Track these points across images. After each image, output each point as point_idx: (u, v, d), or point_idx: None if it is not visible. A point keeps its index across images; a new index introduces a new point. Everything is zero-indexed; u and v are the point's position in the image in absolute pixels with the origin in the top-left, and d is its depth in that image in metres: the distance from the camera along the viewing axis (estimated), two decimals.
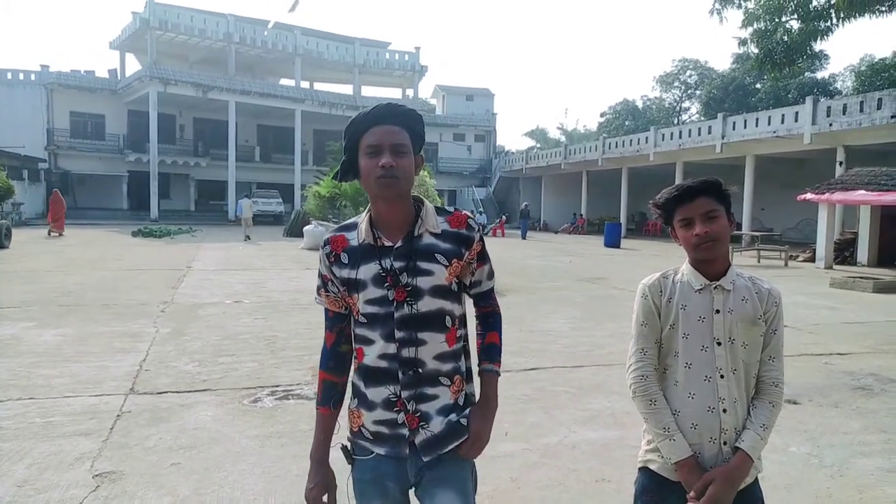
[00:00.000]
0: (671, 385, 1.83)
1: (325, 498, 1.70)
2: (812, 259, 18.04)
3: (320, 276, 1.71)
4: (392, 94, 48.35)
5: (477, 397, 1.77)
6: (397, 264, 1.60)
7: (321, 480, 1.69)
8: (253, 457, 3.83)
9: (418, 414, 1.63)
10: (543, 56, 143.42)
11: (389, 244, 1.62)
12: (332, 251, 1.66)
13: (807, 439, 4.39)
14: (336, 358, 1.72)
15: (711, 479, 1.71)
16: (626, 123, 48.64)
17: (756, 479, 1.85)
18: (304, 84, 43.61)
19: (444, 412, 1.65)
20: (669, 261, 20.52)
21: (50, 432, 4.12)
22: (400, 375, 1.61)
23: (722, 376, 1.75)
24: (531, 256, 19.54)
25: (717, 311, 1.77)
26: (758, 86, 40.98)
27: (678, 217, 1.81)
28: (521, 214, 31.28)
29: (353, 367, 1.72)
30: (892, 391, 5.59)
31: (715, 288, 1.78)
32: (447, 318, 1.67)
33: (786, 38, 13.30)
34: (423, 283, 1.61)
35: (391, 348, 1.61)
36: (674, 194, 1.82)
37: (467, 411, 1.69)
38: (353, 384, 1.71)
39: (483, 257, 1.76)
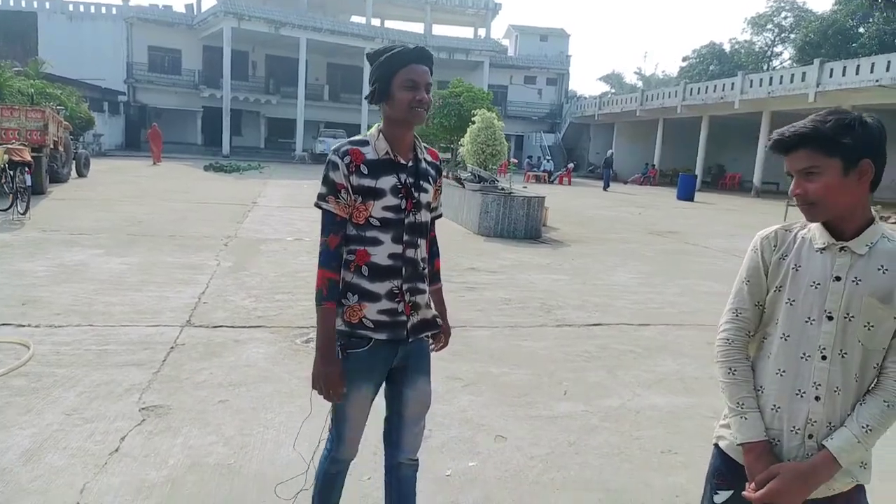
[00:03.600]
0: (764, 356, 1.57)
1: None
2: None
3: (332, 183, 1.87)
4: (463, 32, 47.01)
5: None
6: (410, 179, 1.92)
7: (336, 365, 1.88)
8: (301, 399, 3.72)
9: (411, 303, 1.96)
10: None
11: (403, 162, 1.92)
12: (352, 161, 1.86)
13: None
14: (338, 258, 1.90)
15: (777, 473, 1.45)
16: (711, 68, 45.60)
17: (859, 489, 1.52)
18: (375, 22, 42.86)
19: (427, 304, 2.03)
20: (746, 216, 19.46)
21: (104, 360, 4.13)
22: (403, 271, 1.92)
23: (824, 357, 1.46)
24: (599, 206, 18.85)
25: (837, 279, 1.45)
26: (861, 30, 37.35)
27: (786, 169, 1.52)
28: (605, 163, 28.71)
29: (350, 269, 1.91)
30: None
31: (842, 249, 1.46)
32: (428, 229, 2.05)
33: None
34: (423, 198, 1.96)
35: (398, 249, 1.91)
36: (769, 145, 1.54)
37: (433, 309, 2.11)
38: (350, 283, 1.90)
39: (441, 187, 2.13)
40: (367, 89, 1.97)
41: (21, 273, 6.38)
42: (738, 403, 1.54)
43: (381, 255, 1.90)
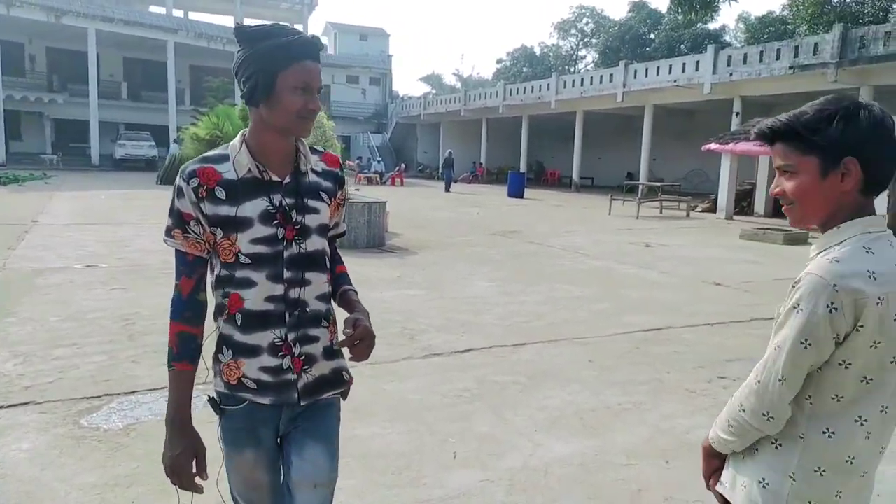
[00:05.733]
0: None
1: (193, 464, 1.52)
2: (712, 210, 18.23)
3: (178, 214, 1.48)
4: None
5: (340, 336, 1.59)
6: (287, 201, 1.52)
7: (188, 445, 1.52)
8: None
9: (303, 357, 1.56)
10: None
11: (277, 179, 1.52)
12: (201, 184, 1.46)
13: None
14: (194, 307, 1.53)
15: None
16: (524, 70, 47.96)
17: None
18: (178, 13, 39.17)
19: (326, 354, 1.61)
20: (574, 210, 20.29)
21: None
22: (287, 317, 1.54)
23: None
24: (437, 207, 18.45)
25: None
26: (652, 36, 41.44)
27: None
28: (446, 163, 27.39)
29: (222, 317, 1.55)
30: None
31: None
32: (325, 257, 1.62)
33: None
34: (311, 220, 1.56)
35: (278, 289, 1.52)
36: (754, 136, 1.41)
37: (345, 363, 1.67)
38: (223, 335, 1.55)
39: (346, 200, 1.73)
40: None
41: None
42: None
43: (254, 298, 1.52)
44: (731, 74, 19.88)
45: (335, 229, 1.71)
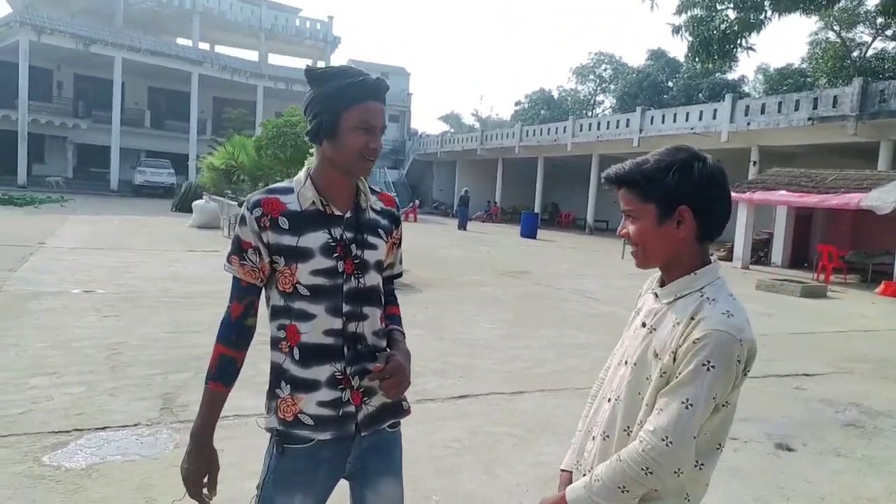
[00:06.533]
0: None
1: (205, 479, 1.55)
2: (728, 258, 17.90)
3: (237, 241, 1.53)
4: (300, 64, 45.43)
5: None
6: (348, 235, 1.56)
7: (205, 462, 1.54)
8: None
9: (362, 389, 1.57)
10: (460, 39, 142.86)
11: (339, 213, 1.56)
12: (265, 213, 1.50)
13: None
14: (240, 332, 1.55)
15: None
16: (542, 113, 48.25)
17: None
18: (204, 46, 40.07)
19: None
20: (587, 253, 20.01)
21: None
22: (346, 351, 1.55)
23: (609, 400, 1.45)
24: (447, 246, 18.29)
25: (643, 325, 1.42)
26: (670, 84, 41.63)
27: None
28: (461, 202, 26.65)
29: (278, 350, 1.56)
30: (887, 429, 4.70)
31: (656, 296, 1.42)
32: (381, 294, 1.65)
33: (723, 26, 12.65)
34: (370, 256, 1.59)
35: (337, 323, 1.54)
36: (603, 180, 1.45)
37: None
38: (281, 368, 1.55)
39: (401, 239, 1.76)
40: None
41: None
42: (575, 436, 1.58)
43: (313, 332, 1.53)
44: (748, 124, 19.74)
45: (391, 270, 1.75)
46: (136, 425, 3.81)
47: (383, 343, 1.64)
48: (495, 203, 35.54)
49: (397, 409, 1.65)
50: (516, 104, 54.70)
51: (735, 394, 1.31)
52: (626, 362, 1.41)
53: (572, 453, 1.55)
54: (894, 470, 3.95)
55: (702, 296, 1.32)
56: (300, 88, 39.10)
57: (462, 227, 25.61)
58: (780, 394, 5.40)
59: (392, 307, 1.75)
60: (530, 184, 33.47)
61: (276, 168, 14.81)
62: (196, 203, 18.46)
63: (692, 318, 1.28)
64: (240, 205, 16.19)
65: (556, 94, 51.58)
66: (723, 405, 1.29)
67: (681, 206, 1.30)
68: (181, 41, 40.20)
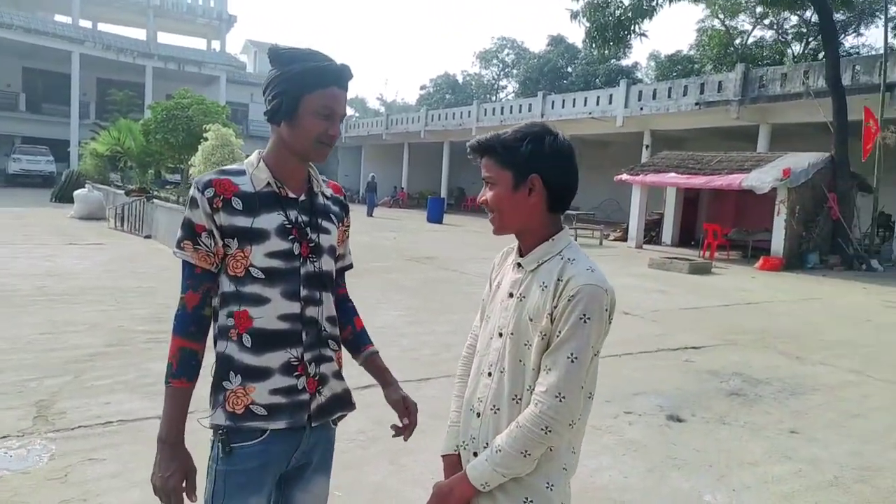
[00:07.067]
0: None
1: (184, 485, 1.47)
2: (623, 238, 18.73)
3: (189, 225, 1.47)
4: (194, 43, 43.29)
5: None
6: (303, 217, 1.54)
7: (180, 465, 1.45)
8: None
9: (317, 377, 1.55)
10: (364, 22, 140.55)
11: (293, 196, 1.54)
12: (217, 194, 1.46)
13: (716, 479, 3.51)
14: (199, 322, 1.48)
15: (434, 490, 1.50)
16: (447, 97, 48.49)
17: None
18: (86, 23, 37.20)
19: (336, 376, 1.61)
20: (492, 238, 20.06)
21: None
22: (304, 336, 1.52)
23: (490, 374, 1.50)
24: (354, 232, 17.45)
25: (510, 295, 1.48)
26: (569, 69, 42.89)
27: None
28: (368, 188, 26.50)
29: (225, 340, 1.49)
30: (766, 396, 5.05)
31: (518, 265, 1.50)
32: (333, 280, 1.65)
33: (618, 12, 13.10)
34: (324, 240, 1.58)
35: (294, 307, 1.50)
36: (468, 150, 1.53)
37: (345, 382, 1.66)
38: (228, 358, 1.47)
39: (349, 227, 1.75)
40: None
41: None
42: (450, 418, 1.61)
43: (267, 317, 1.47)
44: (641, 108, 20.67)
45: (342, 261, 1.74)
46: (4, 437, 3.46)
47: (335, 330, 1.62)
48: (402, 188, 35.44)
49: (346, 402, 1.65)
50: (422, 88, 54.70)
51: (602, 342, 1.40)
52: (500, 334, 1.46)
53: (453, 436, 1.57)
54: (772, 434, 4.24)
55: (562, 258, 1.42)
56: (193, 70, 37.18)
57: (370, 213, 25.40)
58: (671, 367, 5.68)
59: (356, 317, 1.78)
60: (437, 168, 33.60)
61: (167, 154, 14.02)
62: (78, 192, 17.15)
63: (559, 280, 1.37)
64: (127, 193, 15.20)
65: (460, 79, 51.95)
66: (595, 354, 1.38)
67: (532, 175, 1.40)
68: (60, 18, 37.10)
